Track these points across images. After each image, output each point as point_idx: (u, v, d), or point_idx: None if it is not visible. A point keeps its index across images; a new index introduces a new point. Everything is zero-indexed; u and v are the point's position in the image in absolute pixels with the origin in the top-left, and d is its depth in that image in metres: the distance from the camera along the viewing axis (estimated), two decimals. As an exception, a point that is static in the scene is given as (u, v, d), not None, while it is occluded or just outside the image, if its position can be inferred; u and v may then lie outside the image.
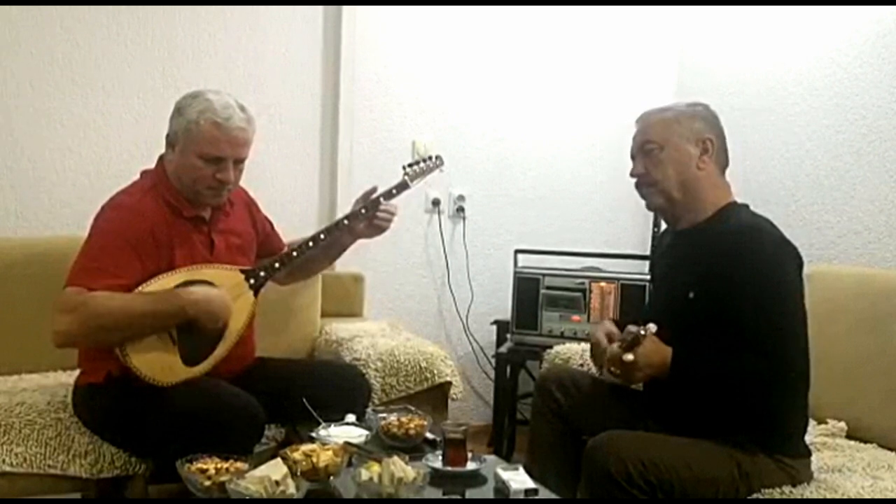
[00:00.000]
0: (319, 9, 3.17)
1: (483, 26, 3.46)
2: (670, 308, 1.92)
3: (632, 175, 1.99)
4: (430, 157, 2.51)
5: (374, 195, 2.35)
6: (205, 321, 1.98)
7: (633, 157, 2.00)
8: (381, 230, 2.39)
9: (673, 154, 1.91)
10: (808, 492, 1.81)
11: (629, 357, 1.75)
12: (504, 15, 3.48)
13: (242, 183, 2.24)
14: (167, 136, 2.10)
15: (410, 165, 2.45)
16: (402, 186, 2.40)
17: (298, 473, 1.65)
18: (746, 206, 1.95)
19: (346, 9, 3.18)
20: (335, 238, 2.35)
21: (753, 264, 1.78)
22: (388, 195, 2.37)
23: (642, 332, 1.75)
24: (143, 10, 2.90)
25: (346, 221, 2.33)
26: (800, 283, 1.84)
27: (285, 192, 3.17)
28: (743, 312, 1.77)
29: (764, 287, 1.77)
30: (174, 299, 1.96)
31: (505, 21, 3.49)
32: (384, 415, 2.06)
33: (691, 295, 1.87)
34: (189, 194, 2.10)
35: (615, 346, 1.82)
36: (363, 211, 2.33)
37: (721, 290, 1.80)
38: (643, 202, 2.01)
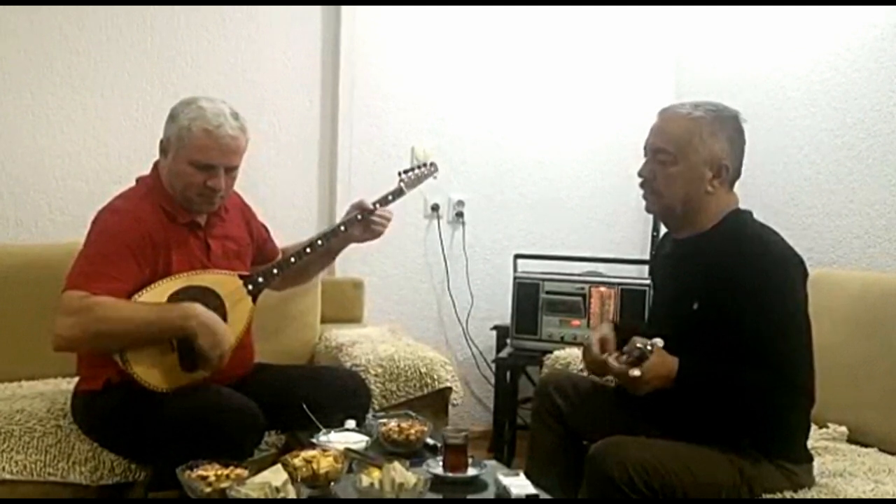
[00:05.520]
0: (318, 16, 3.18)
1: (482, 30, 3.46)
2: (674, 318, 1.91)
3: (639, 174, 1.92)
4: (426, 164, 2.54)
5: (368, 204, 2.36)
6: (204, 340, 1.94)
7: (645, 152, 1.92)
8: (376, 235, 2.40)
9: (685, 173, 1.84)
10: (810, 496, 1.80)
11: (636, 373, 1.73)
12: (503, 19, 3.48)
13: (240, 189, 2.24)
14: (161, 141, 2.11)
15: (406, 172, 2.47)
16: (397, 193, 2.42)
17: (299, 479, 1.65)
18: (750, 213, 1.92)
19: (346, 14, 3.19)
20: (331, 244, 2.35)
21: (758, 273, 1.76)
22: (384, 201, 2.39)
23: (649, 348, 1.74)
24: (142, 17, 2.91)
25: (342, 228, 2.33)
26: (804, 292, 1.82)
27: (284, 197, 3.17)
28: (747, 322, 1.75)
29: (768, 297, 1.75)
30: (179, 312, 1.95)
31: (504, 25, 3.49)
32: (384, 420, 2.05)
33: (695, 306, 1.85)
34: (181, 200, 2.10)
35: (623, 358, 1.79)
36: (359, 217, 2.34)
37: (725, 300, 1.78)
38: (643, 205, 1.98)
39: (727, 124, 1.87)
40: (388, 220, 2.39)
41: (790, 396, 1.76)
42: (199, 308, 1.96)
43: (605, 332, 1.99)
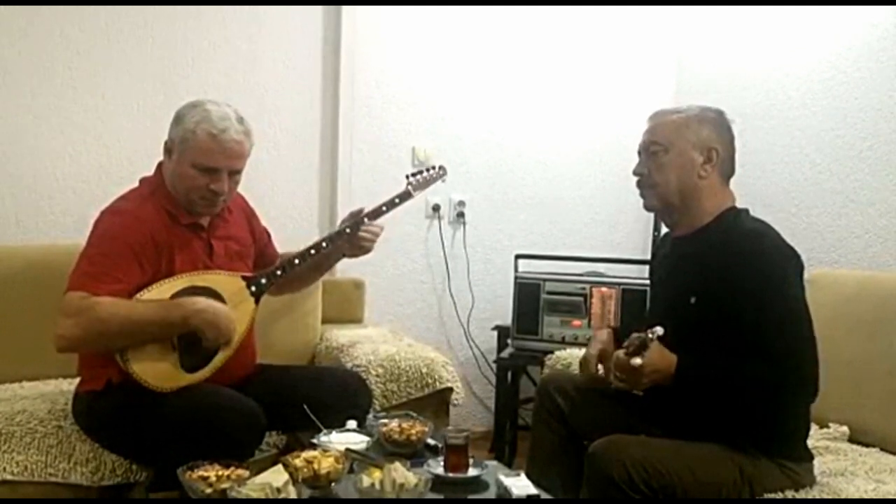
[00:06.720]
0: (319, 16, 3.18)
1: (482, 30, 3.46)
2: (672, 313, 1.91)
3: (634, 173, 1.98)
4: (434, 167, 2.51)
5: (362, 214, 2.33)
6: (209, 334, 1.97)
7: (639, 154, 1.99)
8: (364, 251, 2.36)
9: (676, 159, 1.90)
10: (811, 496, 1.80)
11: (637, 361, 1.74)
12: (503, 19, 3.49)
13: (242, 191, 2.24)
14: (165, 143, 2.11)
15: (414, 175, 2.45)
16: (405, 196, 2.40)
17: (300, 480, 1.65)
18: (746, 211, 1.94)
19: (346, 14, 3.19)
20: (327, 253, 2.33)
21: (755, 269, 1.77)
22: (391, 204, 2.36)
23: (650, 336, 1.75)
24: (143, 18, 2.91)
25: (347, 230, 2.31)
26: (801, 286, 1.83)
27: (285, 199, 3.17)
28: (745, 317, 1.76)
29: (766, 291, 1.76)
30: (180, 309, 1.96)
31: (504, 25, 3.49)
32: (385, 420, 2.05)
33: (693, 300, 1.86)
34: (184, 202, 2.10)
35: (621, 352, 1.79)
36: (347, 230, 2.32)
37: (723, 295, 1.79)
38: (642, 203, 2.00)
39: (712, 116, 1.95)
40: (376, 234, 2.35)
41: (792, 389, 1.76)
42: (199, 301, 1.97)
43: (604, 342, 2.01)
